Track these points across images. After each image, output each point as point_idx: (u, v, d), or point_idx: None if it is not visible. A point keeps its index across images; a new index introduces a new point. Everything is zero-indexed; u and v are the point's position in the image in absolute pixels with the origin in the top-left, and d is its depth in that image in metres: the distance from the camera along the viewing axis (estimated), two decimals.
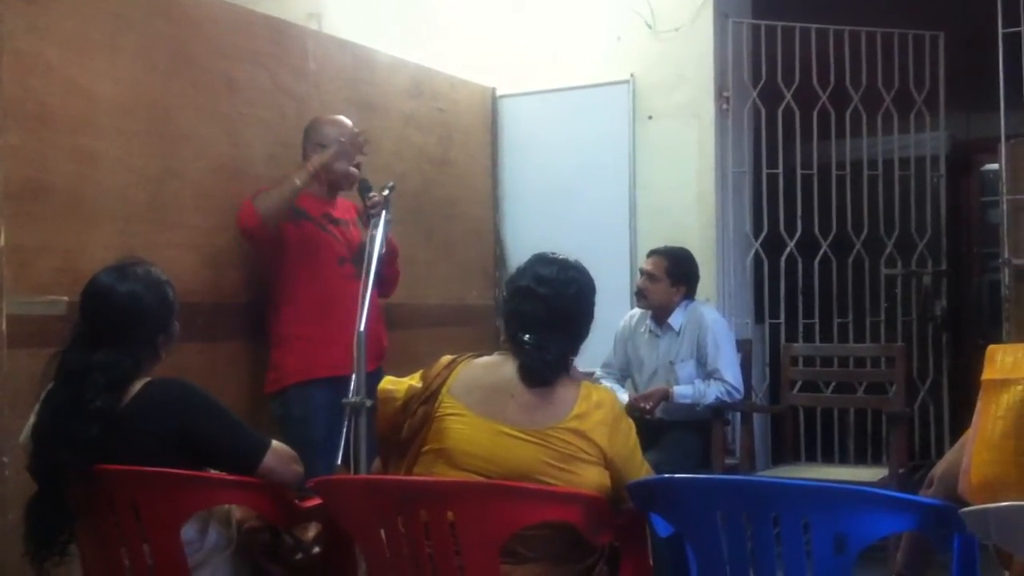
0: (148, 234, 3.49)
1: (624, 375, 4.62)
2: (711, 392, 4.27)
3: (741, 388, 4.38)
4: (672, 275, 4.41)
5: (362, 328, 2.89)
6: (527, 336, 2.39)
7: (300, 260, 3.77)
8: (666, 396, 4.28)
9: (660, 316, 4.46)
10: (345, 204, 4.00)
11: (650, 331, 4.51)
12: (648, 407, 4.22)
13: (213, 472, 2.47)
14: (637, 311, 4.60)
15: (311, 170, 3.72)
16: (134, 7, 3.50)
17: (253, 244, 3.76)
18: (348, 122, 3.92)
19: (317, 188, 3.84)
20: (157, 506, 2.33)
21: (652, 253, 4.49)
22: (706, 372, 4.34)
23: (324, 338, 3.68)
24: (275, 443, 2.47)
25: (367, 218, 3.73)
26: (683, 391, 4.29)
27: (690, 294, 4.47)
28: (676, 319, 4.42)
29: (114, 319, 2.44)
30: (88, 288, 2.50)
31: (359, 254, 3.81)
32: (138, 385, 2.42)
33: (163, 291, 2.53)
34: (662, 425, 4.30)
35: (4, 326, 2.97)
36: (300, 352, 3.75)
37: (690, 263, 4.48)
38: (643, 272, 4.45)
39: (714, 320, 4.44)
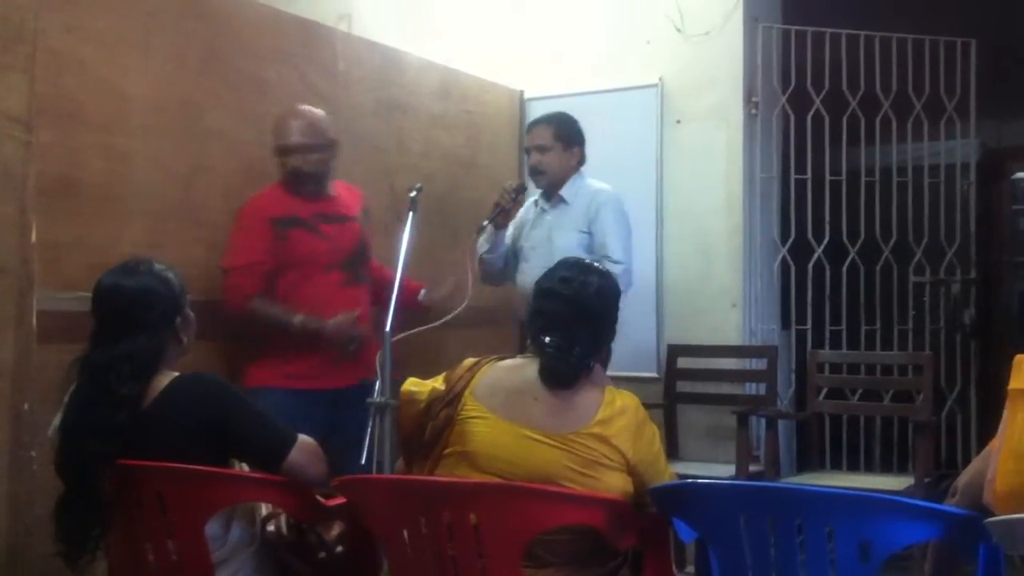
0: (177, 231, 3.52)
1: (506, 262, 4.39)
2: None
3: (631, 267, 4.13)
4: (563, 139, 4.19)
5: (388, 328, 2.89)
6: (548, 338, 2.39)
7: (289, 269, 3.62)
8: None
9: (552, 189, 4.24)
10: (348, 199, 3.85)
11: (539, 207, 4.32)
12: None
13: (238, 469, 2.49)
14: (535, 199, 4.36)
15: (308, 329, 3.51)
16: (166, 7, 3.53)
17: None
18: (313, 112, 3.74)
19: (300, 186, 3.67)
20: (183, 502, 2.35)
21: (533, 125, 4.25)
22: (594, 254, 4.03)
23: (296, 350, 3.56)
24: (302, 437, 2.47)
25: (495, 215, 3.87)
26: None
27: (583, 159, 4.25)
28: (568, 190, 4.21)
29: (127, 310, 2.46)
30: (96, 289, 2.51)
31: (355, 256, 3.74)
32: (165, 380, 2.45)
33: (167, 277, 2.55)
34: None
35: (35, 321, 3.00)
36: (268, 360, 3.59)
37: (575, 122, 4.26)
38: (531, 148, 4.19)
39: (608, 196, 4.23)
